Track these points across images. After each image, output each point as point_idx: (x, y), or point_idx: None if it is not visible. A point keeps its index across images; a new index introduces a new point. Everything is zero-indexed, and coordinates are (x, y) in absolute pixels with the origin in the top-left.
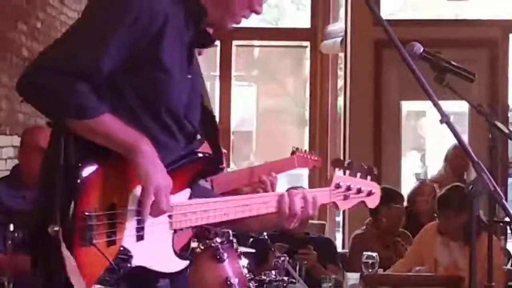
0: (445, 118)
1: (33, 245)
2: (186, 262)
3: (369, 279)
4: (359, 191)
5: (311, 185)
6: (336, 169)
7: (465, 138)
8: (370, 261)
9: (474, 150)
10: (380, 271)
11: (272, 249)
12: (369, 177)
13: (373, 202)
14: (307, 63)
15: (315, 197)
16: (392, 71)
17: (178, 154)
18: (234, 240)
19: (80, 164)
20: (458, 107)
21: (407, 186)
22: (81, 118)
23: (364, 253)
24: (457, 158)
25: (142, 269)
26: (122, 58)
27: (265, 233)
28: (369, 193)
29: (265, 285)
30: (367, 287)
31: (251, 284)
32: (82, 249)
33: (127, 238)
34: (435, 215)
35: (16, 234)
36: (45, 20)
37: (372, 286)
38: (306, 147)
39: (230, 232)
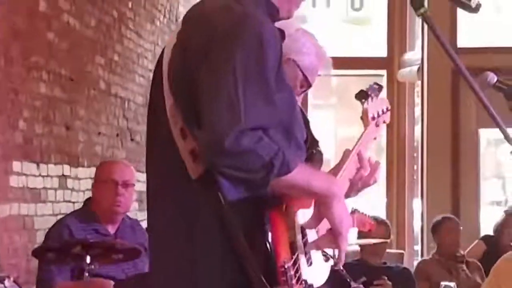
0: None
1: None
2: (331, 262)
3: None
4: (383, 112)
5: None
6: (364, 101)
7: None
8: None
9: None
10: None
11: (348, 279)
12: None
13: (388, 117)
14: (384, 91)
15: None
16: (469, 99)
17: None
18: None
19: (264, 219)
20: None
21: (486, 214)
22: (286, 174)
23: (442, 283)
24: None
25: None
26: None
27: (341, 264)
28: (387, 110)
29: None
30: None
31: None
32: None
33: (304, 269)
34: None
35: (92, 266)
36: (122, 53)
37: None
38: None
39: None
